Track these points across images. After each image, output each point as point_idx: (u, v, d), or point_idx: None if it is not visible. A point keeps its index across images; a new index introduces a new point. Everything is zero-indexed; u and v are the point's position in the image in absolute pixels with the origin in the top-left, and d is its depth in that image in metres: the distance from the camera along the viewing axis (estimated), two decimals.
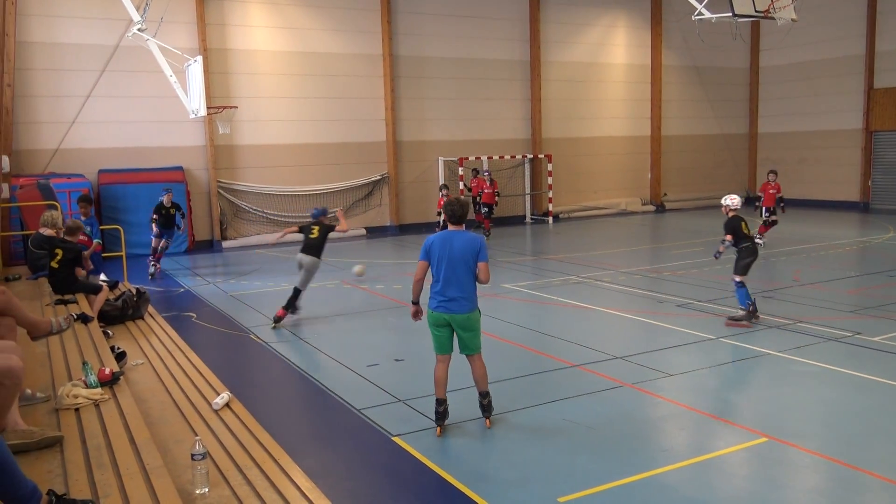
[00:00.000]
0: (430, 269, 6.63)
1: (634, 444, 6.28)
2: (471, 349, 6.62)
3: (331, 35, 21.67)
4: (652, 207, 27.80)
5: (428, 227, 23.24)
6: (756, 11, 15.57)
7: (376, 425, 6.77)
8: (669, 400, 7.32)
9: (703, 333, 9.73)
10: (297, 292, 10.93)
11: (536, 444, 6.30)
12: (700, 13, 16.75)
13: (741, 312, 10.21)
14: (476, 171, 22.81)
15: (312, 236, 11.10)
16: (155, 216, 15.52)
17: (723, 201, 10.73)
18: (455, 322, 6.50)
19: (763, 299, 11.74)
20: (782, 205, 17.47)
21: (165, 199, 15.57)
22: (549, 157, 24.99)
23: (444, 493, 5.47)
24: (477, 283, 6.56)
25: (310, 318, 11.29)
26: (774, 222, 17.54)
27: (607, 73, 26.82)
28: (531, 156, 25.09)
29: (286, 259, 17.77)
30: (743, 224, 10.47)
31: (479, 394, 6.73)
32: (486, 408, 6.70)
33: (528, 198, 25.62)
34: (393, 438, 6.44)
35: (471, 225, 20.55)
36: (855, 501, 5.29)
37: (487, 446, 6.29)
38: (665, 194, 28.28)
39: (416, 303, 6.83)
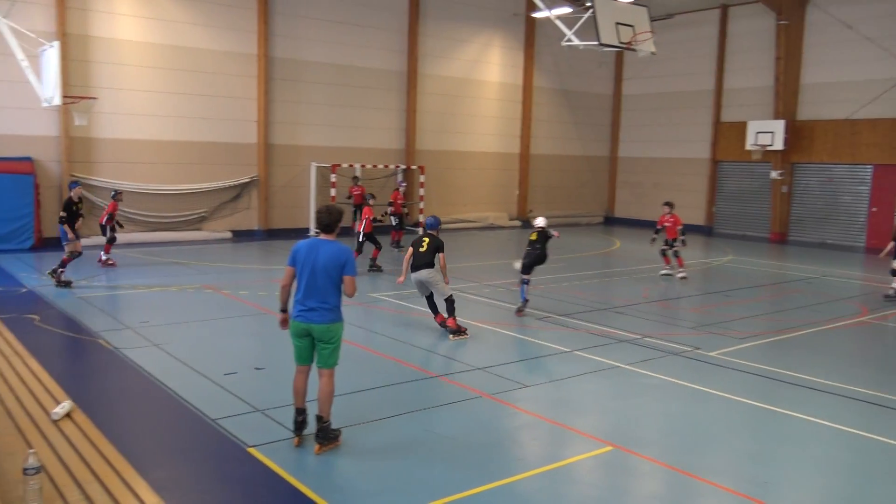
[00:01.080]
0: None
1: (490, 454, 6.45)
2: (325, 363, 6.36)
3: (203, 30, 20.93)
4: (518, 223, 28.71)
5: (298, 233, 22.90)
6: (620, 42, 16.53)
7: (231, 436, 6.58)
8: (525, 410, 7.59)
9: (560, 346, 10.16)
10: (449, 302, 10.54)
11: (395, 455, 6.34)
12: (569, 39, 17.57)
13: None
14: (356, 179, 22.89)
15: (422, 250, 10.55)
16: (64, 213, 13.62)
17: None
18: (314, 332, 6.29)
19: (615, 315, 12.43)
20: (682, 238, 16.69)
21: (74, 194, 14.03)
22: (422, 169, 25.28)
23: None
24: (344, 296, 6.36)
25: (166, 324, 10.81)
26: (663, 251, 16.90)
27: (481, 89, 27.52)
28: (405, 166, 25.28)
29: (144, 261, 16.92)
30: (535, 234, 12.28)
31: (317, 417, 6.35)
32: (318, 433, 6.30)
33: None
34: (248, 449, 6.28)
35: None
36: None
37: (345, 457, 6.26)
38: (531, 210, 29.29)
39: (283, 310, 6.63)
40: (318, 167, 23.35)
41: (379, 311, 12.28)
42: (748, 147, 26.03)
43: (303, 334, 6.35)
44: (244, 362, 8.99)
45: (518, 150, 28.93)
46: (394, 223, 20.53)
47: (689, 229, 28.37)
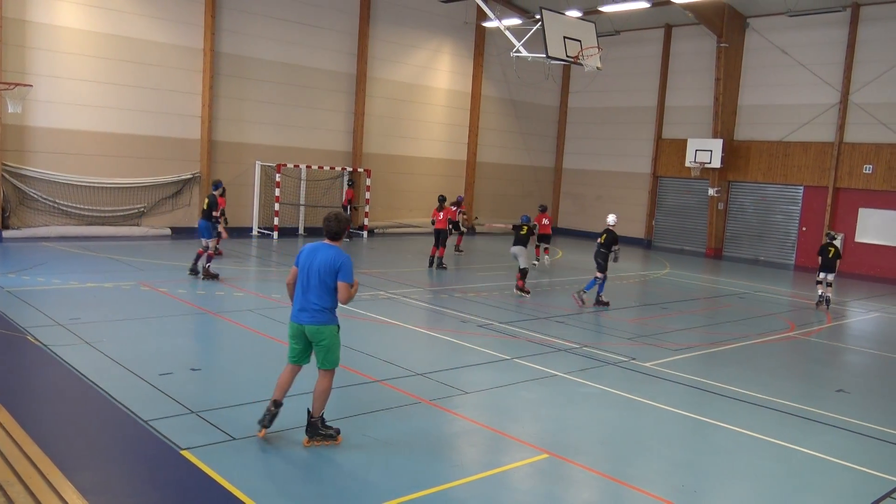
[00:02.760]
0: None
1: (427, 460, 6.47)
2: (321, 364, 6.51)
3: (148, 21, 20.44)
4: (464, 230, 28.81)
5: (240, 232, 22.55)
6: (567, 56, 16.84)
7: (164, 438, 6.43)
8: (463, 416, 7.63)
9: (500, 353, 10.25)
10: (524, 271, 15.31)
11: (333, 459, 6.30)
12: (518, 50, 17.80)
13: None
14: (351, 182, 22.97)
15: (522, 233, 15.56)
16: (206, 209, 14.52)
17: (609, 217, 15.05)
18: (306, 332, 6.44)
19: (555, 324, 12.62)
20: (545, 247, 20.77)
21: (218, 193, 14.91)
22: (368, 172, 25.19)
23: None
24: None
25: (99, 321, 10.49)
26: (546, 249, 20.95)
27: (430, 95, 27.61)
28: (351, 169, 25.15)
29: (77, 254, 16.40)
30: (604, 235, 14.61)
31: (308, 413, 6.55)
32: (307, 427, 6.54)
33: (345, 211, 25.62)
34: (181, 452, 6.15)
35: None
36: None
37: (282, 461, 6.19)
38: (476, 218, 29.49)
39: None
40: (262, 166, 23.04)
41: None
42: (687, 164, 26.80)
43: (296, 334, 6.51)
44: (180, 362, 8.80)
45: (465, 158, 29.11)
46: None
47: (628, 241, 29.26)
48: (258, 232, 23.04)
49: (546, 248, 20.88)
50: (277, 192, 22.76)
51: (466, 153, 29.11)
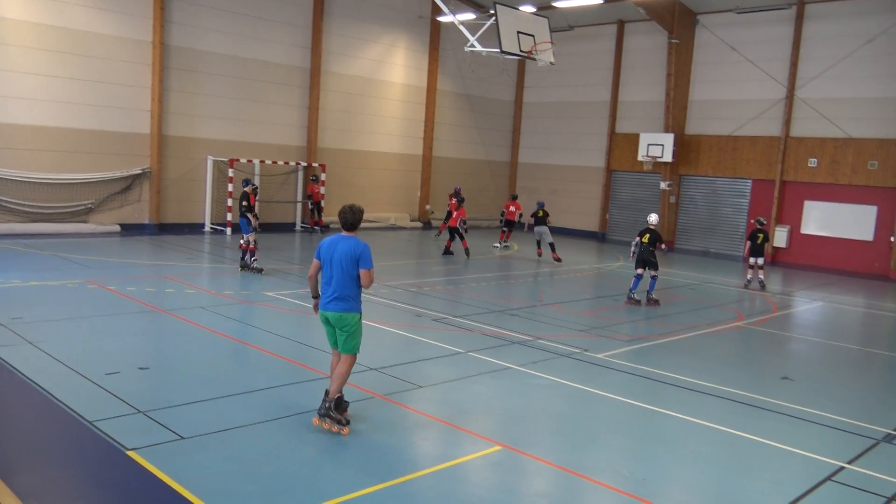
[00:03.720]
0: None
1: (380, 455, 6.45)
2: (343, 348, 6.96)
3: (94, 13, 19.90)
4: (419, 224, 28.84)
5: (191, 228, 22.17)
6: (521, 51, 16.93)
7: (110, 438, 6.29)
8: (417, 411, 7.63)
9: (455, 347, 10.28)
10: (552, 245, 19.84)
11: (283, 456, 6.24)
12: (472, 45, 17.82)
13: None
14: (315, 178, 23.58)
15: (539, 216, 20.68)
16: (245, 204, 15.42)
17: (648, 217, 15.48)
18: (331, 319, 6.89)
19: (509, 317, 12.70)
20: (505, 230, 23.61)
21: (250, 189, 15.58)
22: (323, 167, 24.98)
23: None
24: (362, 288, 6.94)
25: (43, 320, 10.21)
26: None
27: (385, 90, 27.48)
28: (305, 164, 24.91)
29: (21, 252, 15.93)
30: (647, 235, 14.86)
31: (326, 392, 6.91)
32: (326, 411, 6.81)
33: (299, 205, 25.37)
34: (127, 453, 6.02)
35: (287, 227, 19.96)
36: (572, 503, 5.88)
37: (232, 460, 6.10)
38: (432, 212, 29.50)
39: (315, 297, 7.15)
40: (214, 161, 22.68)
41: (274, 311, 12.04)
42: (640, 158, 27.18)
43: (326, 321, 7.01)
44: (128, 362, 8.61)
45: (421, 152, 29.07)
46: (310, 208, 23.93)
47: (583, 234, 29.60)
48: (210, 228, 22.67)
49: (508, 233, 23.30)
50: (230, 187, 22.42)
51: (422, 148, 29.08)
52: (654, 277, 15.05)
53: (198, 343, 9.83)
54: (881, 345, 13.55)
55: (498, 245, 23.38)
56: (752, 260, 18.38)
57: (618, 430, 7.56)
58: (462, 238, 20.31)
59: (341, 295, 6.83)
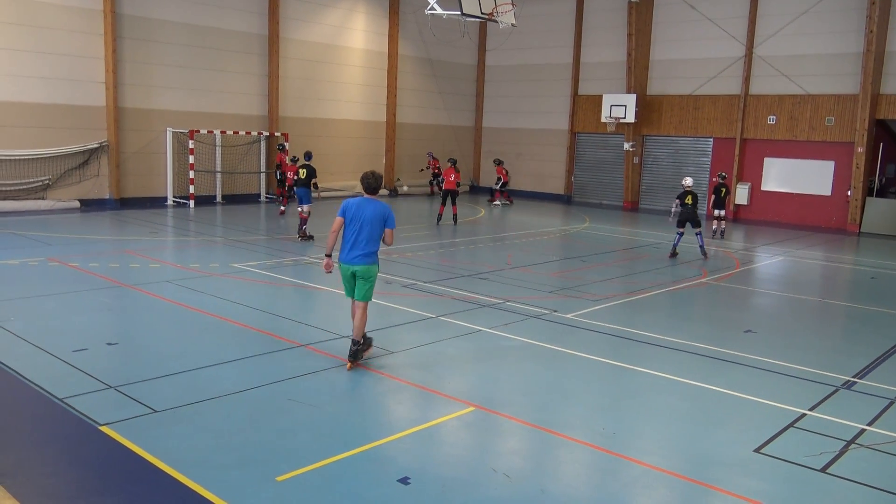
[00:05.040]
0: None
1: (354, 420, 6.51)
2: (362, 297, 7.78)
3: None
4: (386, 191, 28.69)
5: (154, 202, 21.79)
6: (482, 13, 16.78)
7: (81, 415, 6.24)
8: (389, 376, 7.69)
9: (425, 312, 10.33)
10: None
11: (257, 426, 6.26)
12: (433, 8, 17.61)
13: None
14: (281, 147, 23.24)
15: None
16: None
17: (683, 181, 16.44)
18: (357, 272, 7.68)
19: (479, 281, 12.78)
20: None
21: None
22: (286, 136, 24.64)
23: (158, 481, 5.22)
24: (382, 244, 7.85)
25: (4, 299, 10.01)
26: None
27: (346, 56, 27.09)
28: (267, 133, 24.54)
29: None
30: (689, 197, 15.88)
31: (352, 341, 7.77)
32: (353, 354, 7.73)
33: (262, 176, 25.05)
34: (100, 428, 5.99)
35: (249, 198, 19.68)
36: (546, 459, 6.01)
37: (206, 431, 6.10)
38: (398, 179, 29.36)
39: (329, 255, 7.95)
40: (174, 133, 22.23)
41: (242, 283, 11.96)
42: (603, 119, 27.30)
43: (348, 274, 7.77)
44: (95, 338, 8.51)
45: (384, 119, 28.81)
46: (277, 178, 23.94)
47: (549, 197, 29.77)
48: (173, 201, 22.30)
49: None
50: (191, 159, 22.03)
51: (386, 114, 28.81)
52: (699, 234, 16.30)
53: (166, 317, 9.74)
54: (840, 296, 13.95)
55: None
56: (716, 212, 20.14)
57: (588, 388, 7.71)
58: (454, 203, 20.50)
59: (369, 251, 7.68)
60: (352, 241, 7.67)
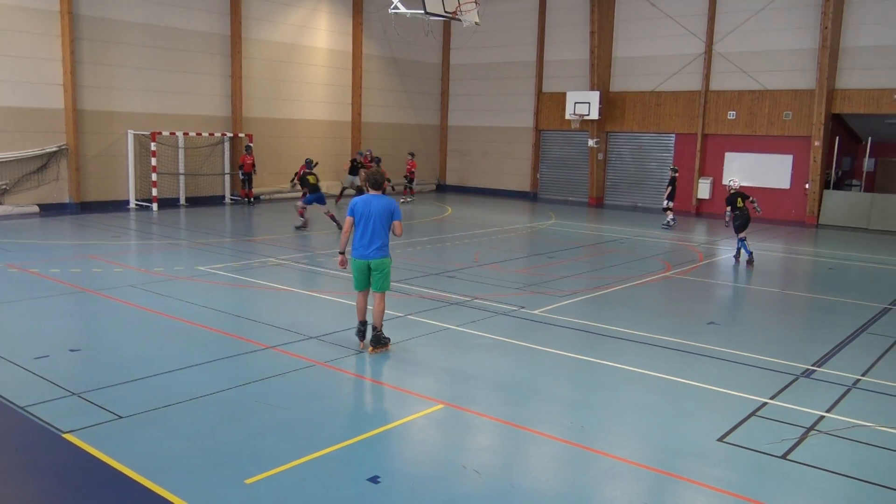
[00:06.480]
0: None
1: (323, 421, 6.50)
2: (379, 288, 8.30)
3: None
4: (353, 192, 28.53)
5: (116, 206, 21.44)
6: (445, 12, 16.78)
7: (43, 423, 6.13)
8: (358, 375, 7.69)
9: (394, 311, 10.30)
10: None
11: (225, 428, 6.21)
12: (396, 7, 17.57)
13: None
14: (248, 148, 23.51)
15: None
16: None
17: (729, 182, 16.20)
18: (372, 265, 8.20)
19: (447, 279, 12.82)
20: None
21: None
22: (250, 137, 24.41)
23: (124, 488, 5.15)
24: (391, 236, 8.33)
25: None
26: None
27: (310, 56, 26.92)
28: (231, 134, 24.29)
29: None
30: (739, 199, 15.53)
31: (373, 327, 8.35)
32: (375, 339, 8.31)
33: (227, 177, 24.79)
34: (63, 436, 5.89)
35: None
36: (516, 454, 6.06)
37: (172, 435, 6.04)
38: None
39: (342, 253, 8.57)
40: (136, 135, 21.88)
41: (208, 286, 11.84)
42: (567, 116, 27.53)
43: (362, 268, 8.26)
44: (57, 344, 8.36)
45: (350, 118, 28.69)
46: (241, 179, 24.08)
47: (514, 195, 29.91)
48: (136, 205, 21.96)
49: (410, 189, 25.60)
50: (154, 161, 21.72)
51: (351, 114, 28.69)
52: (742, 240, 15.67)
53: (130, 322, 9.60)
54: (799, 287, 14.26)
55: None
56: (670, 203, 21.69)
57: (557, 383, 7.78)
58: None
59: (382, 244, 8.17)
60: (366, 236, 8.14)
